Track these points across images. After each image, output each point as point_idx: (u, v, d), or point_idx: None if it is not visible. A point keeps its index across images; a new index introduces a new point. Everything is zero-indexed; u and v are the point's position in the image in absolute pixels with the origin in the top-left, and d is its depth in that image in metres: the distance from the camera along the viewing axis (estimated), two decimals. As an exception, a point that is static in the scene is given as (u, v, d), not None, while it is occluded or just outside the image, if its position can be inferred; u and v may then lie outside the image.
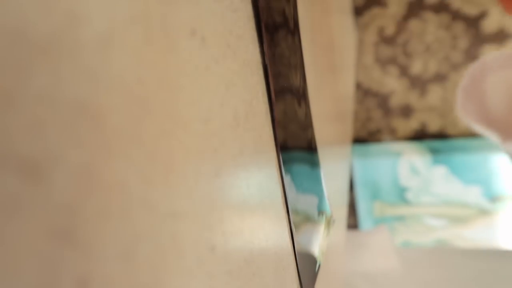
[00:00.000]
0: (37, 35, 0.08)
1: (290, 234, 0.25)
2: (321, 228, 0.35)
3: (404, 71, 1.17)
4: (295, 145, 0.28)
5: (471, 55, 1.11)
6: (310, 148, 0.33)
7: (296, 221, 0.27)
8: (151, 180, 0.11)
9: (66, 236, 0.08)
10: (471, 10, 1.07)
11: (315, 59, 0.39)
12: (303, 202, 0.29)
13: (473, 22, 1.08)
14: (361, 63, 1.19)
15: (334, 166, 0.52)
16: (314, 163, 0.34)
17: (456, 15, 1.08)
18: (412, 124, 1.22)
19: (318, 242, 0.33)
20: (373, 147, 1.25)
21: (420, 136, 1.23)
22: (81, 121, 0.09)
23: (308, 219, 0.30)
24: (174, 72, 0.12)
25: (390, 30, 1.13)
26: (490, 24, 1.07)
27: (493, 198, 1.20)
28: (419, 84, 1.17)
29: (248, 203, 0.18)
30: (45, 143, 0.08)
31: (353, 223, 1.40)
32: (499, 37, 1.07)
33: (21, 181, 0.07)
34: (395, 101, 1.21)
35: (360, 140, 1.28)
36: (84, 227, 0.08)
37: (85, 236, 0.09)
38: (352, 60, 0.98)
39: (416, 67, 1.15)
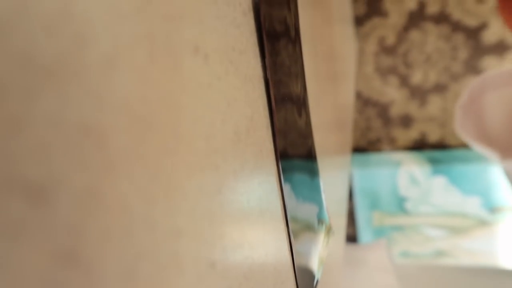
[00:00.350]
0: (44, 58, 0.08)
1: (289, 247, 0.25)
2: (321, 236, 0.35)
3: (404, 81, 1.17)
4: (295, 153, 0.28)
5: (471, 66, 1.12)
6: (310, 156, 0.33)
7: (296, 230, 0.27)
8: (153, 199, 0.11)
9: (69, 257, 0.08)
10: (471, 21, 1.08)
11: (316, 68, 0.39)
12: (303, 210, 0.30)
13: (473, 34, 1.08)
14: (361, 73, 1.19)
15: (334, 175, 0.52)
16: (314, 172, 0.34)
17: (456, 26, 1.09)
18: (412, 134, 1.22)
19: (317, 251, 0.33)
20: (373, 157, 1.25)
21: (419, 146, 1.23)
22: (86, 143, 0.09)
23: (308, 228, 0.30)
24: (177, 90, 0.13)
25: (390, 40, 1.14)
26: (490, 36, 1.07)
27: (493, 209, 1.20)
28: (419, 94, 1.18)
29: (248, 217, 0.18)
30: (50, 166, 0.08)
31: (352, 232, 1.40)
32: (499, 48, 1.07)
33: (26, 204, 0.07)
34: (395, 111, 1.21)
35: (359, 149, 1.28)
36: (86, 248, 0.09)
37: (87, 257, 0.09)
38: (353, 70, 0.98)
39: (416, 77, 1.16)
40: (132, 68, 0.10)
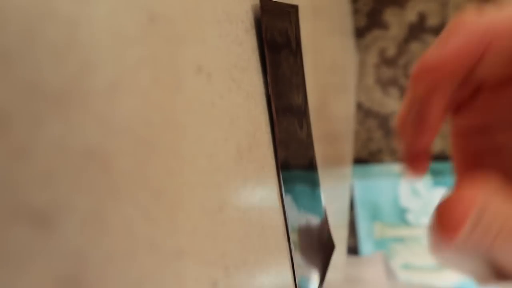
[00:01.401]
0: (50, 86, 0.08)
1: (290, 260, 0.25)
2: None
3: (405, 93, 1.17)
4: (296, 164, 0.28)
5: (471, 78, 1.12)
6: (311, 167, 0.33)
7: (297, 241, 0.27)
8: (156, 221, 0.11)
9: (73, 282, 0.08)
10: (471, 33, 1.08)
11: (317, 80, 0.40)
12: (305, 221, 0.30)
13: (473, 45, 1.09)
14: (362, 84, 1.19)
15: (335, 186, 0.52)
16: (315, 183, 0.34)
17: (457, 38, 1.09)
18: (412, 145, 1.22)
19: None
20: (374, 168, 1.25)
21: (420, 157, 1.23)
22: (90, 167, 0.09)
23: (311, 239, 0.30)
24: (180, 110, 0.13)
25: (391, 51, 1.14)
26: (490, 48, 1.07)
27: (494, 220, 1.20)
28: (419, 105, 1.18)
29: (250, 234, 0.18)
30: (55, 192, 0.08)
31: (353, 244, 1.39)
32: (499, 60, 1.07)
33: (32, 230, 0.07)
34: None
35: (360, 160, 1.28)
36: (90, 272, 0.09)
37: (91, 281, 0.09)
38: (353, 81, 0.99)
39: (417, 89, 1.16)
40: (136, 91, 0.10)
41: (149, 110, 0.11)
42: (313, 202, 0.33)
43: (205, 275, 0.14)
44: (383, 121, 1.21)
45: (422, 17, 1.10)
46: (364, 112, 1.22)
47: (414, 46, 1.12)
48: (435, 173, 1.19)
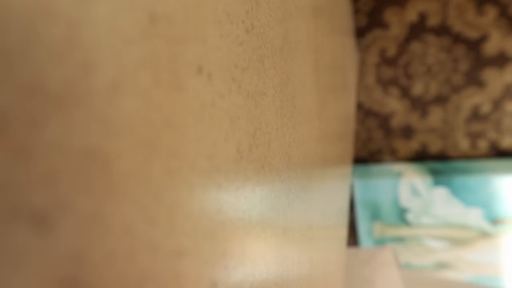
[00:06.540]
0: (51, 86, 0.08)
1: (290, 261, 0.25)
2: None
3: (405, 92, 1.17)
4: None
5: (471, 78, 1.12)
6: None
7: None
8: (156, 221, 0.11)
9: (73, 282, 0.08)
10: (472, 33, 1.08)
11: (317, 79, 0.40)
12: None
13: (474, 45, 1.09)
14: (362, 84, 1.19)
15: (335, 186, 0.52)
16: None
17: (457, 38, 1.09)
18: (413, 145, 1.22)
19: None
20: (374, 168, 1.25)
21: (421, 157, 1.23)
22: (91, 168, 0.09)
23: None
24: (180, 110, 0.13)
25: (391, 51, 1.14)
26: (490, 48, 1.08)
27: (495, 220, 1.20)
28: (420, 105, 1.18)
29: (250, 234, 0.18)
30: (55, 192, 0.08)
31: (353, 243, 1.39)
32: (499, 60, 1.08)
33: (31, 231, 0.07)
34: (396, 122, 1.21)
35: (360, 160, 1.28)
36: (90, 273, 0.09)
37: (91, 282, 0.09)
38: (354, 81, 0.99)
39: (417, 89, 1.16)
40: (137, 91, 0.10)
41: (150, 110, 0.11)
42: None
43: (205, 276, 0.14)
44: (383, 121, 1.21)
45: (422, 17, 1.10)
46: (364, 111, 1.22)
47: (415, 46, 1.12)
48: (435, 173, 1.19)
